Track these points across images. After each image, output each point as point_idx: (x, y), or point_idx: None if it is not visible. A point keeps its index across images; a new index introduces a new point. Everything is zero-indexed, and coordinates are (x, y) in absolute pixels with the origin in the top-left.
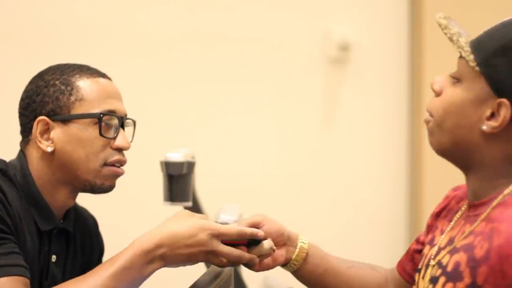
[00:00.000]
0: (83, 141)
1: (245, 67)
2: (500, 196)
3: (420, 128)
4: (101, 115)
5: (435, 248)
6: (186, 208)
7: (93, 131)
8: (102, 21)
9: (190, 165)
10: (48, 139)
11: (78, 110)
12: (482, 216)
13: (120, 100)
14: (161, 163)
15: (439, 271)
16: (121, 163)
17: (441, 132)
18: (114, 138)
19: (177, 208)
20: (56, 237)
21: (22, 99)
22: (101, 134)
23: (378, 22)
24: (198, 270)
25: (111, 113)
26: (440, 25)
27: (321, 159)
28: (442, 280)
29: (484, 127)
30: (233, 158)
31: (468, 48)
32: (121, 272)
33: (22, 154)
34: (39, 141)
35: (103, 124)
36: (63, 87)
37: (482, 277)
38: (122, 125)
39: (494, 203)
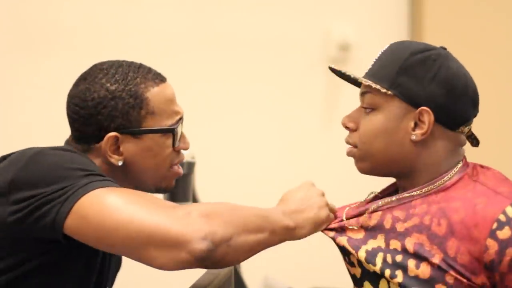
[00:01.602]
0: (155, 153)
1: (245, 67)
2: (439, 182)
3: None
4: (175, 129)
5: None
6: None
7: (164, 142)
8: (101, 22)
9: (190, 165)
10: (117, 152)
11: (149, 123)
12: (415, 193)
13: (176, 100)
14: None
15: (400, 256)
16: (182, 161)
17: (373, 157)
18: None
19: None
20: None
21: (79, 107)
22: (174, 146)
23: (378, 22)
24: (198, 270)
25: (179, 121)
26: (336, 73)
27: (321, 159)
28: (412, 262)
29: (413, 137)
30: (233, 158)
31: (370, 81)
32: (263, 210)
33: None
34: (110, 156)
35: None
36: (131, 100)
37: (454, 249)
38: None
39: (431, 187)
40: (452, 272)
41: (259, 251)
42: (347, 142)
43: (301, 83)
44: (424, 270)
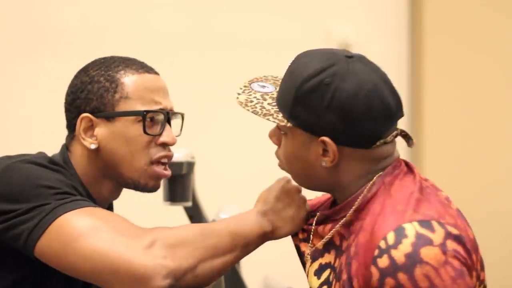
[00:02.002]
0: (127, 139)
1: (245, 67)
2: (361, 196)
3: (420, 127)
4: (145, 113)
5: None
6: (185, 208)
7: (137, 129)
8: (101, 22)
9: (190, 165)
10: (92, 136)
11: (122, 107)
12: (348, 216)
13: (166, 95)
14: None
15: (333, 274)
16: (168, 158)
17: (295, 177)
18: (160, 134)
19: (176, 209)
20: None
21: (67, 94)
22: (145, 132)
23: (378, 22)
24: None
25: (155, 110)
26: (241, 105)
27: None
28: (334, 283)
29: (323, 164)
30: (233, 158)
31: (274, 110)
32: (235, 223)
33: (66, 149)
34: (83, 138)
35: (148, 120)
36: (107, 84)
37: (354, 269)
38: (168, 120)
39: (356, 204)
40: None
41: (230, 268)
42: (276, 156)
43: None
44: None
